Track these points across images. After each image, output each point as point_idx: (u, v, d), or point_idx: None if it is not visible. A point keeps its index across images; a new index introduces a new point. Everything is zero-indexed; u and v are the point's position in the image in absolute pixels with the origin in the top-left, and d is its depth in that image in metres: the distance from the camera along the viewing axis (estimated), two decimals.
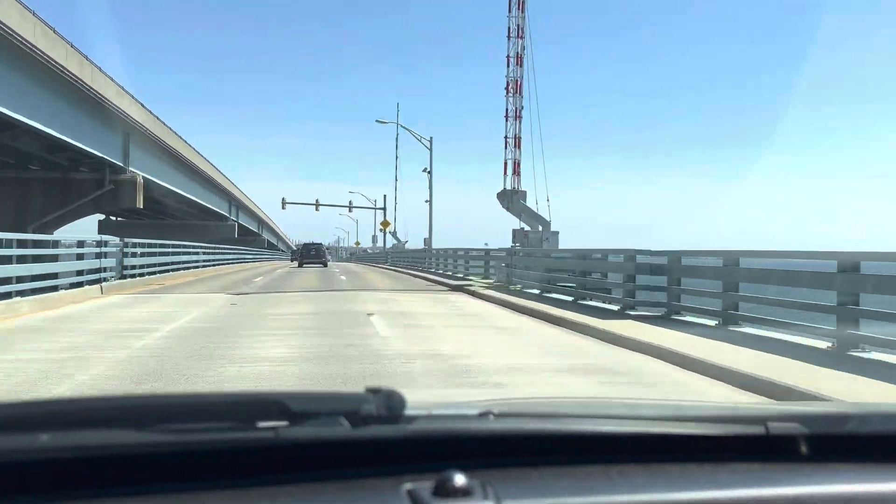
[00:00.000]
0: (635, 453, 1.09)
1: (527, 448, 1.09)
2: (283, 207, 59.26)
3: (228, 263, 39.54)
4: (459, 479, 0.93)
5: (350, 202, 63.25)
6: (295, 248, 72.73)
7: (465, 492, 0.92)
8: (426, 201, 34.92)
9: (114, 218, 71.77)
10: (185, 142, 42.71)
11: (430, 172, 34.33)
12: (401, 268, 37.96)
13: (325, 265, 41.58)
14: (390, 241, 56.65)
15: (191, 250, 29.58)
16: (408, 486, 0.94)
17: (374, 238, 68.14)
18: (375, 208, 62.69)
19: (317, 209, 59.97)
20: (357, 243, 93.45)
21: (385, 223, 57.30)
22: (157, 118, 36.70)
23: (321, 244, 49.30)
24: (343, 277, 27.06)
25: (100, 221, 72.53)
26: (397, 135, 50.03)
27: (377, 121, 37.45)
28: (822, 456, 1.13)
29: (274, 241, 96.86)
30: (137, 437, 0.95)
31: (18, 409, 1.01)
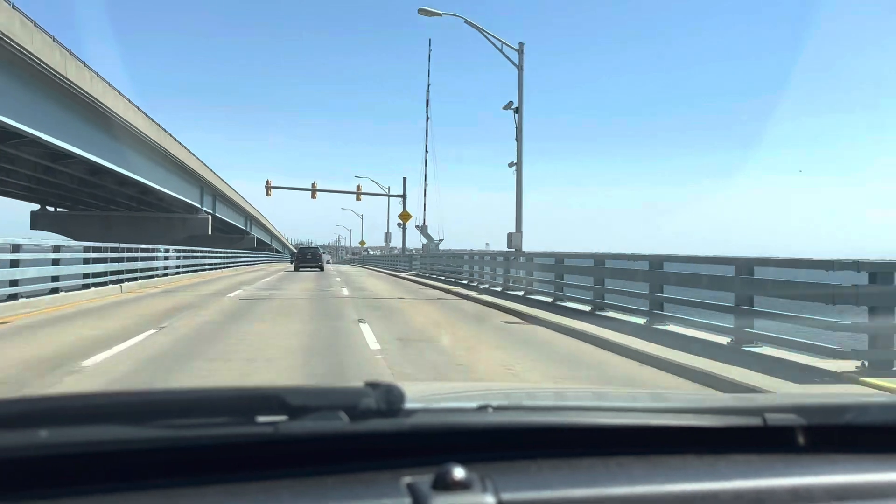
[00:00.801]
0: (634, 445, 1.14)
1: (526, 441, 1.13)
2: (268, 194, 43.46)
3: (162, 275, 25.68)
4: (458, 473, 0.96)
5: (358, 187, 46.87)
6: (294, 250, 68.51)
7: (464, 485, 0.95)
8: (511, 165, 18.10)
9: (51, 209, 54.65)
10: (115, 89, 26.38)
11: (518, 110, 17.46)
12: (445, 282, 25.70)
13: (322, 269, 43.65)
14: (414, 241, 46.04)
15: None
16: (407, 479, 0.98)
17: (388, 236, 54.37)
18: (389, 195, 47.08)
19: (313, 196, 46.39)
20: (362, 243, 78.34)
21: (405, 215, 43.71)
22: (55, 39, 20.73)
23: (317, 248, 49.34)
24: (368, 333, 11.14)
25: (33, 213, 55.44)
26: (430, 48, 32.63)
27: (420, 10, 20.07)
28: (820, 447, 1.18)
29: (267, 239, 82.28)
30: (136, 433, 0.98)
31: (18, 406, 1.04)
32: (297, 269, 43.10)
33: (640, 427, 1.19)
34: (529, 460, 1.06)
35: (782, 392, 5.83)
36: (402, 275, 35.15)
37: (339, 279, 30.94)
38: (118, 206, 51.85)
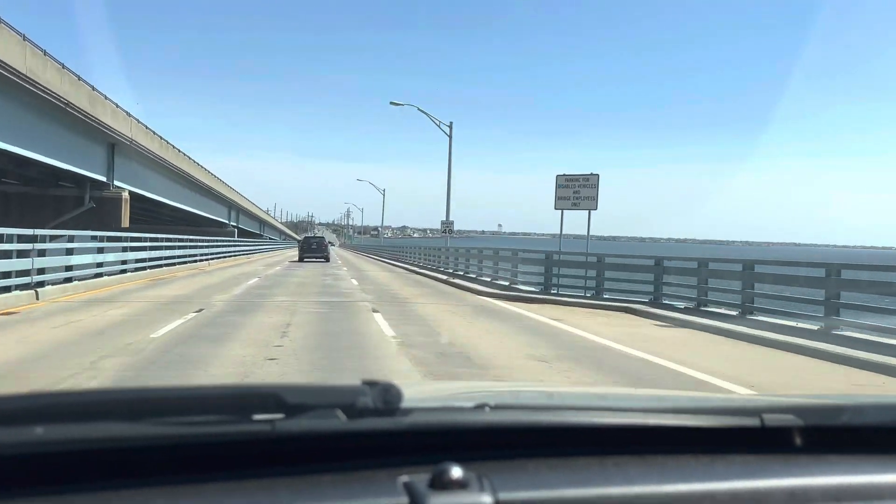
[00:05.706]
0: (631, 445, 1.11)
1: (523, 440, 1.11)
2: None
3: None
4: (456, 472, 0.94)
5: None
6: (301, 240, 75.34)
7: (461, 484, 0.93)
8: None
9: None
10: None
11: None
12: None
13: (327, 259, 41.78)
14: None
15: None
16: (404, 478, 0.96)
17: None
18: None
19: None
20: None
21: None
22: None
23: (323, 237, 50.53)
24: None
25: None
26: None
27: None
28: (817, 447, 1.15)
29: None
30: (133, 430, 0.96)
31: (13, 402, 1.02)
32: (301, 260, 39.70)
33: (638, 427, 1.16)
34: (527, 459, 1.03)
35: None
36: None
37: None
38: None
